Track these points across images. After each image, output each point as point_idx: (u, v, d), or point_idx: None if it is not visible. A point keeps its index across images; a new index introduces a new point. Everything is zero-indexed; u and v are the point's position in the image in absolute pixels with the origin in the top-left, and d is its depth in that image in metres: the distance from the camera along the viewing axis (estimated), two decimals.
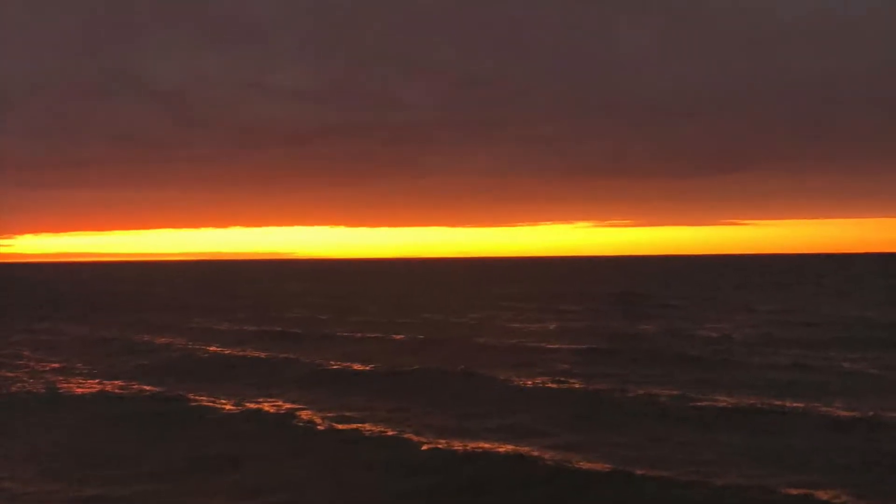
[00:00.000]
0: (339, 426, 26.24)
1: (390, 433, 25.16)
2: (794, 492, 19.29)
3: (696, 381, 33.43)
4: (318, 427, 26.18)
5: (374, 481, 21.23)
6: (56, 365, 40.95)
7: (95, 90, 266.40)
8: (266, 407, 29.45)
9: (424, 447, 23.41)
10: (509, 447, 23.37)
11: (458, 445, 23.52)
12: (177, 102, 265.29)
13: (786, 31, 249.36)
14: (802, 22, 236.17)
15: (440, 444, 23.71)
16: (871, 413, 26.64)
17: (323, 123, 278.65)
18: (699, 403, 28.78)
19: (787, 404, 28.49)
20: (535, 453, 22.63)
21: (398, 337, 50.63)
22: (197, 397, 31.10)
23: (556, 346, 45.12)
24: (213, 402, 30.25)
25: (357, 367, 38.17)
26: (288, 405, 29.75)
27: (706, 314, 65.74)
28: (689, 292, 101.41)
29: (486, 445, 23.59)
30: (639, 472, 20.74)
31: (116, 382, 35.20)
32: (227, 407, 29.38)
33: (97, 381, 35.88)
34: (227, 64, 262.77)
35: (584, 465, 21.49)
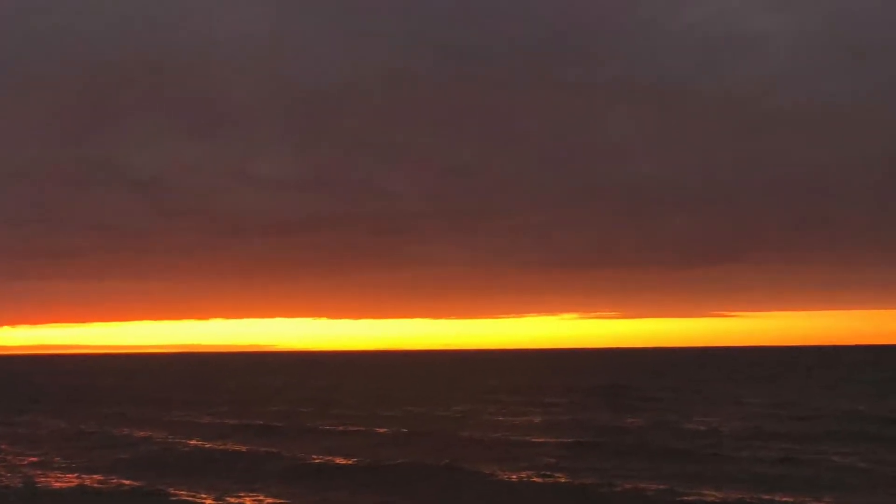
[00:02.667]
0: None
1: None
2: None
3: (683, 475, 32.98)
4: None
5: None
6: (34, 458, 40.28)
7: (74, 181, 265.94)
8: (248, 502, 28.89)
9: None
10: None
11: None
12: (157, 192, 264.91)
13: (775, 121, 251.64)
14: (792, 112, 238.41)
15: None
16: None
17: (305, 213, 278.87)
18: (687, 499, 28.36)
19: (777, 499, 28.10)
20: None
21: (381, 430, 50.04)
22: (177, 491, 30.55)
23: (542, 439, 44.60)
24: (194, 496, 29.69)
25: (339, 461, 37.63)
26: (270, 499, 29.20)
27: (693, 407, 65.27)
28: (676, 384, 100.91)
29: None
30: None
31: (95, 476, 34.58)
32: (208, 502, 28.82)
33: (76, 475, 35.26)
34: (208, 153, 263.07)
35: None
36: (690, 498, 28.32)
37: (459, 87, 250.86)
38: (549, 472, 33.67)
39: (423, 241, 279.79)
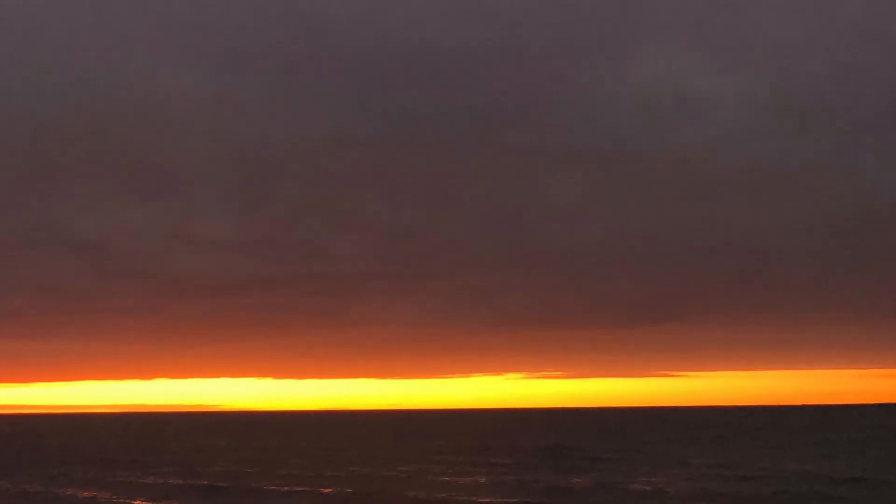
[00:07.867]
0: None
1: None
2: None
3: None
4: None
5: None
6: None
7: (17, 242, 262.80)
8: None
9: None
10: None
11: None
12: (99, 254, 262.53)
13: (719, 183, 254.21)
14: (736, 174, 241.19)
15: None
16: None
17: (249, 275, 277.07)
18: None
19: None
20: None
21: (326, 490, 49.85)
22: None
23: (487, 500, 44.63)
24: None
25: None
26: None
27: (639, 468, 65.47)
28: (621, 445, 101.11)
29: None
30: None
31: None
32: None
33: None
34: (151, 215, 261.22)
35: None
36: None
37: (403, 151, 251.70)
38: None
39: (367, 303, 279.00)
